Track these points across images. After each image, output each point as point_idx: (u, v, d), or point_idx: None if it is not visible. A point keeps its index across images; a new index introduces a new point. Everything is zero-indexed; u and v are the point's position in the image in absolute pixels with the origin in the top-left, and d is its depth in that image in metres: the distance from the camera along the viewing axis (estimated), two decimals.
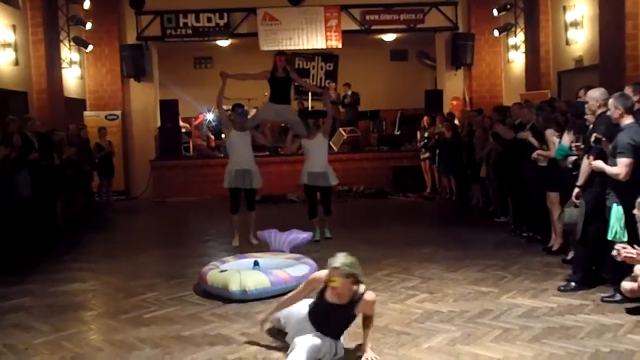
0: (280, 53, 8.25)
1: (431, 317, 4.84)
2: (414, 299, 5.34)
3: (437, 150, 11.61)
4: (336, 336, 4.05)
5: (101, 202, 11.77)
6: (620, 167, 4.89)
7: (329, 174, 7.95)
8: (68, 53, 12.68)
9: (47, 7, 11.46)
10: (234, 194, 7.78)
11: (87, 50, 13.33)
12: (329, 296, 3.97)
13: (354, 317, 4.03)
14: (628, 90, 5.37)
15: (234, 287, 5.32)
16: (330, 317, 3.99)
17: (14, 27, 10.54)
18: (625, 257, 4.53)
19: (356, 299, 3.94)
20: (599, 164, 5.08)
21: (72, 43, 12.70)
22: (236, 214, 7.84)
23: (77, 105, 13.27)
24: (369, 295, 3.99)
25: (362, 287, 3.97)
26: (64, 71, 12.33)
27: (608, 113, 5.09)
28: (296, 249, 6.49)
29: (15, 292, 5.92)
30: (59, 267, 7.05)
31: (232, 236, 7.92)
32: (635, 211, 4.74)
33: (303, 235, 6.62)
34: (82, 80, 13.68)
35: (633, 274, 4.64)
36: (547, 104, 7.61)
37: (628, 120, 5.00)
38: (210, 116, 14.85)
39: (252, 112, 14.39)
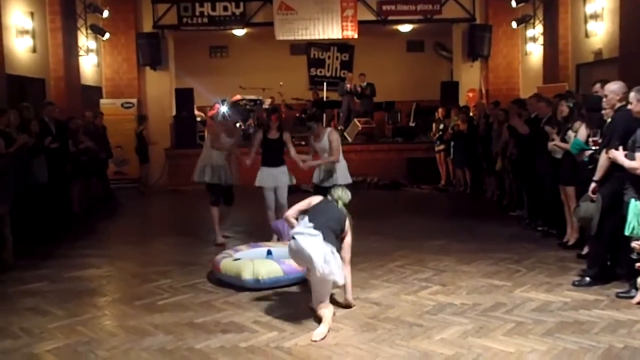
0: (274, 110, 7.71)
1: (444, 309, 4.83)
2: (427, 290, 5.33)
3: (452, 143, 11.56)
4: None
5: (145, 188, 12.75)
6: (638, 161, 4.82)
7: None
8: (85, 41, 12.74)
9: None
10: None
11: (104, 38, 13.39)
12: None
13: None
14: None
15: (247, 275, 5.35)
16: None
17: (32, 14, 10.60)
18: None
19: None
20: (617, 155, 4.99)
21: (89, 31, 12.76)
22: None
23: (94, 92, 13.35)
24: None
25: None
26: (80, 59, 12.39)
27: (629, 107, 5.01)
28: None
29: (32, 277, 6.00)
30: (75, 252, 7.12)
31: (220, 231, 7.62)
32: None
33: None
34: (99, 68, 13.75)
35: None
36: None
37: None
38: (224, 108, 14.84)
39: (267, 101, 14.47)
